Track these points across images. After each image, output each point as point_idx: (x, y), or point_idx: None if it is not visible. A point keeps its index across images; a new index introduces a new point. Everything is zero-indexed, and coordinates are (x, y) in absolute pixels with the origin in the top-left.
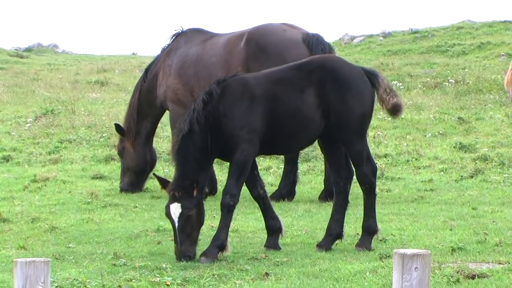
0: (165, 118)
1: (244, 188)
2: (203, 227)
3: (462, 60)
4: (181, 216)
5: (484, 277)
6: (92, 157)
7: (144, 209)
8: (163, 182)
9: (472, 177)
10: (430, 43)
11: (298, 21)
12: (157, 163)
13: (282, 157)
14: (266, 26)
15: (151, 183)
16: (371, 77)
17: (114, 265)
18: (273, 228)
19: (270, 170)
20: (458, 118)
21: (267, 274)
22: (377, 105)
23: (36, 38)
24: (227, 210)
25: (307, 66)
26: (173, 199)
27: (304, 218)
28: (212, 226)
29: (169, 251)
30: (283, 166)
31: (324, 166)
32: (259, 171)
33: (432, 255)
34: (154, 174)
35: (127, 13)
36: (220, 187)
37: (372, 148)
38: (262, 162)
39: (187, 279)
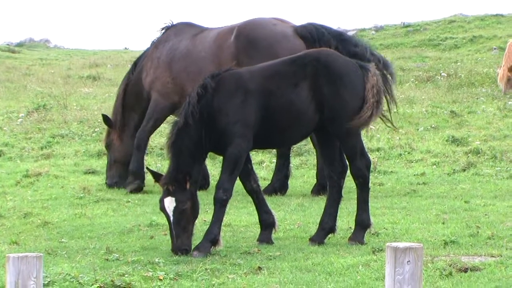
0: None
1: (237, 182)
2: (196, 221)
3: (454, 53)
4: (175, 209)
5: (476, 270)
6: (84, 152)
7: (136, 204)
8: (156, 176)
9: (464, 170)
10: (422, 36)
11: (289, 16)
12: (149, 157)
13: (274, 151)
14: (256, 20)
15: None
16: (362, 71)
17: (107, 260)
18: (267, 223)
19: (262, 164)
20: (450, 112)
21: (260, 268)
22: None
23: (28, 33)
24: (220, 205)
25: (302, 60)
26: (167, 193)
27: (297, 212)
28: (205, 220)
29: (161, 245)
30: (275, 160)
31: (316, 160)
32: (252, 165)
33: (425, 249)
34: (147, 168)
35: (119, 8)
36: (213, 181)
37: (365, 142)
38: (255, 156)
39: (180, 273)
